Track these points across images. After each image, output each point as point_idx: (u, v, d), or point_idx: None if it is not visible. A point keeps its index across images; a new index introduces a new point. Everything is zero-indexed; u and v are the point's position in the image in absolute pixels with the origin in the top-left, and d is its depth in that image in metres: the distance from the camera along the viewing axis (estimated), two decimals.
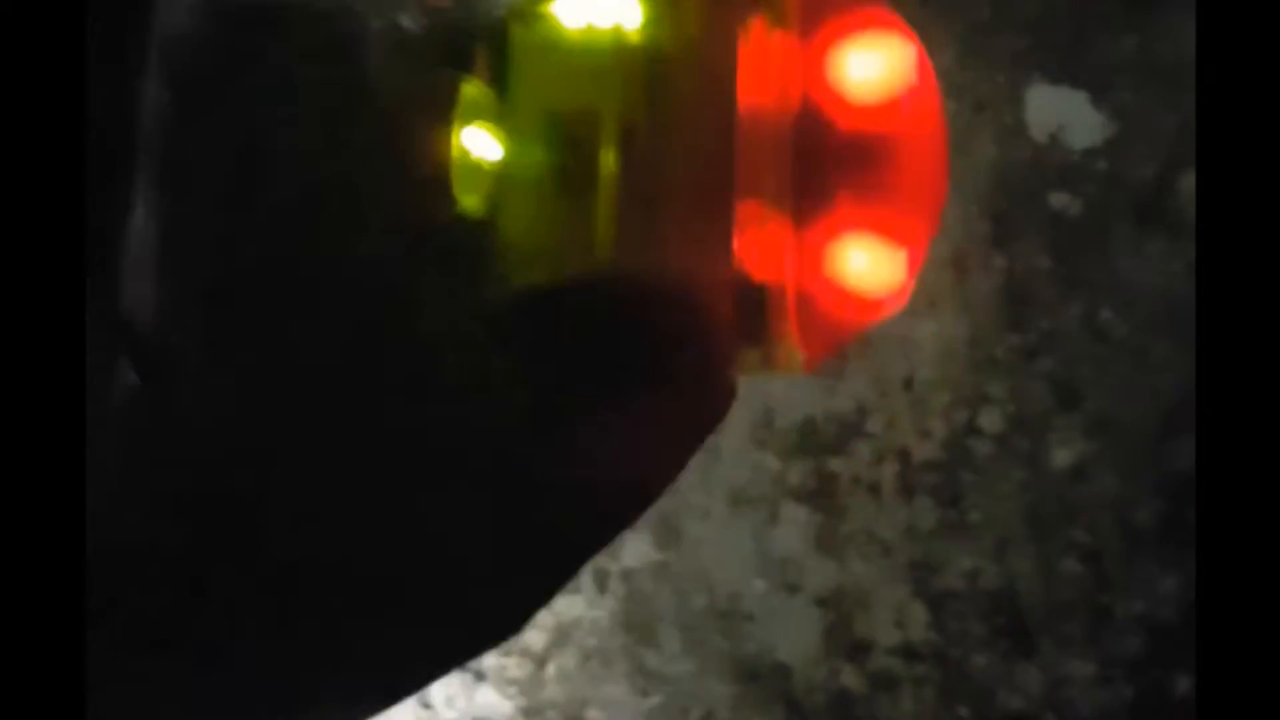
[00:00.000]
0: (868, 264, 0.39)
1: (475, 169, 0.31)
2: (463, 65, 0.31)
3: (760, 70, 0.34)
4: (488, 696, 1.21)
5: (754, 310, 0.34)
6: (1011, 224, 1.21)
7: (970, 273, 1.20)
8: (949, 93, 1.23)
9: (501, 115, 0.31)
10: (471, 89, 0.31)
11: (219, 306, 0.32)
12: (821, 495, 1.18)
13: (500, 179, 0.31)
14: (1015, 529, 1.16)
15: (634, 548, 1.26)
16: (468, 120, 0.31)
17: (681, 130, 0.31)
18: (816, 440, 1.18)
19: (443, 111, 0.31)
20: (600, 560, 1.25)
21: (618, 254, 0.31)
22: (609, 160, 0.30)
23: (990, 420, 1.18)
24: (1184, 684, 1.13)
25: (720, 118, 0.31)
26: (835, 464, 1.18)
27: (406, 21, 0.31)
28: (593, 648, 1.24)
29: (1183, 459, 1.16)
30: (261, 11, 0.31)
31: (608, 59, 0.30)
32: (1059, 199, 1.22)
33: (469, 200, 0.31)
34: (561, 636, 1.22)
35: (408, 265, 0.32)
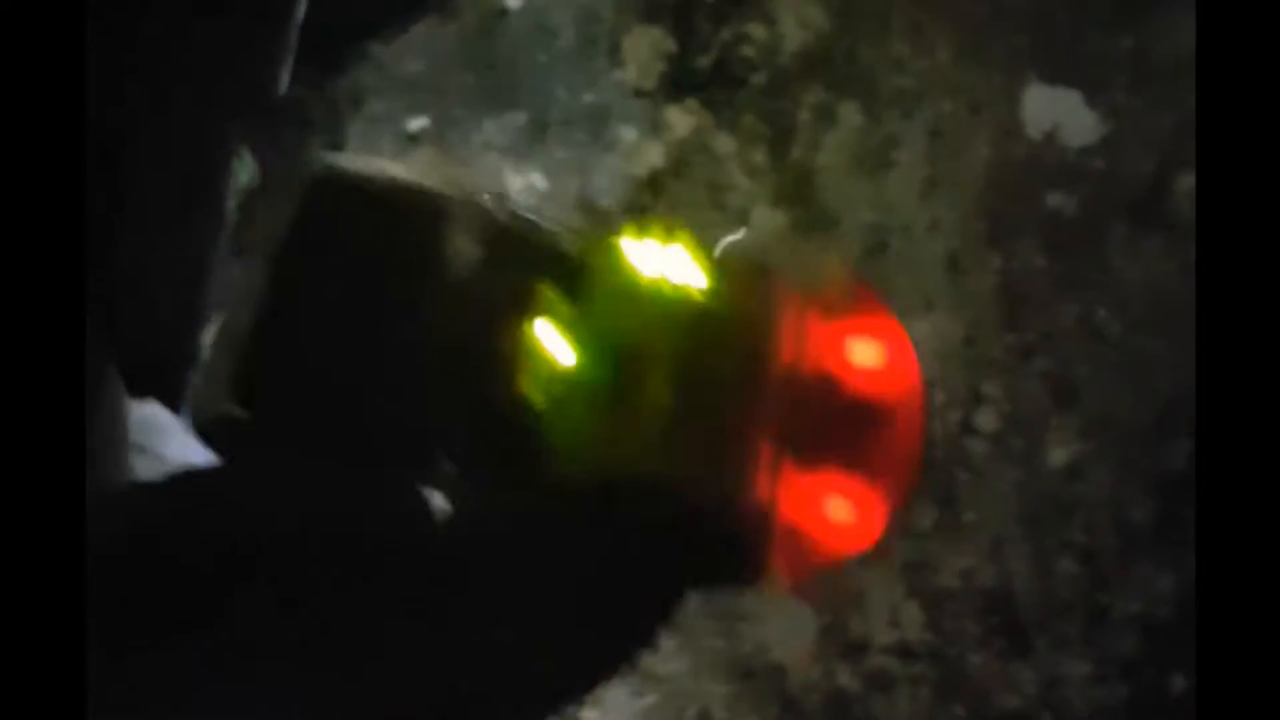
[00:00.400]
0: (849, 509, 0.46)
1: (542, 364, 0.35)
2: (545, 272, 0.35)
3: (790, 338, 0.40)
4: None
5: (754, 534, 0.39)
6: (1008, 223, 1.22)
7: (966, 272, 1.21)
8: (946, 92, 1.24)
9: (574, 327, 0.35)
10: (550, 294, 0.35)
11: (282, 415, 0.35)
12: None
13: (564, 382, 0.35)
14: (1011, 528, 1.16)
15: None
16: (543, 319, 0.35)
17: (724, 376, 0.37)
18: None
19: (519, 307, 0.35)
20: None
21: (656, 464, 0.36)
22: (662, 391, 0.35)
23: (986, 419, 1.18)
24: (1180, 683, 1.13)
25: (756, 371, 0.37)
26: None
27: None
28: None
29: (1179, 458, 1.16)
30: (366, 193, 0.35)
31: (674, 306, 0.36)
32: (1055, 198, 1.22)
33: (533, 391, 0.35)
34: None
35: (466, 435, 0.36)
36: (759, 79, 1.25)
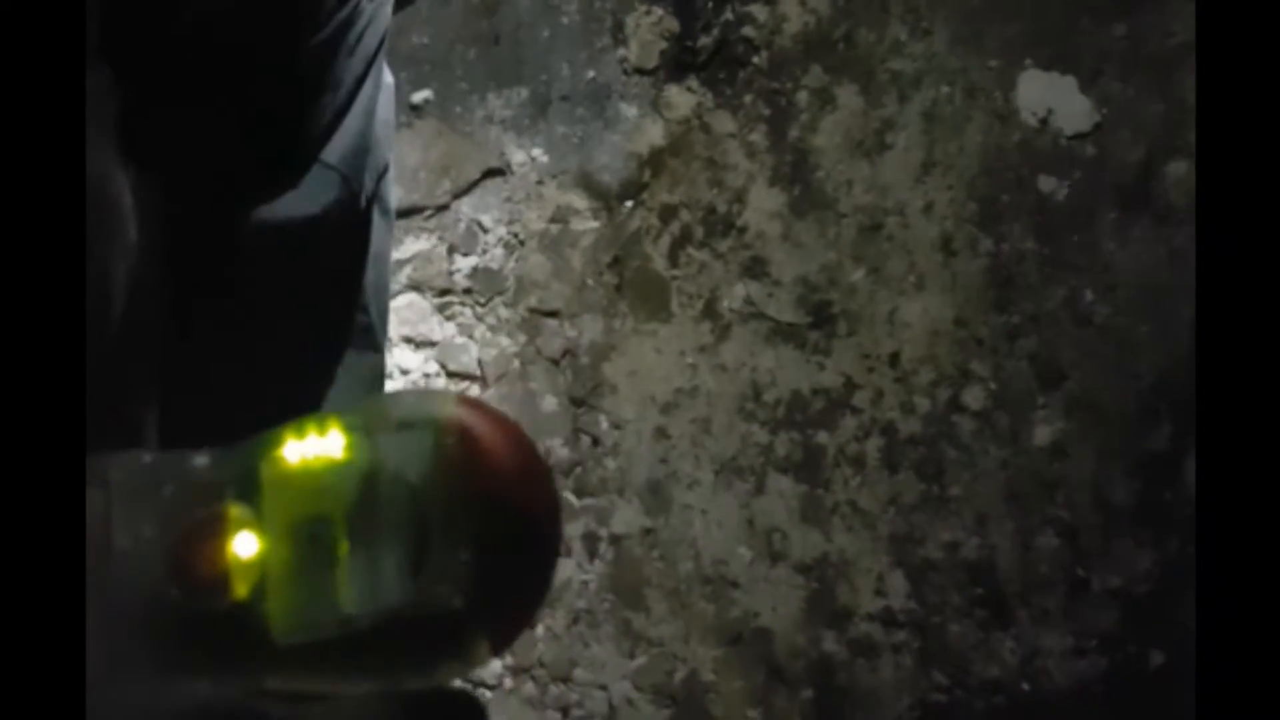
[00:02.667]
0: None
1: (245, 567, 0.42)
2: (230, 497, 0.42)
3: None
4: None
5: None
6: (999, 207, 1.23)
7: (957, 253, 1.22)
8: (943, 77, 1.25)
9: (260, 526, 0.42)
10: (235, 510, 0.42)
11: None
12: (807, 467, 1.19)
13: (263, 571, 0.42)
14: (996, 504, 1.18)
15: (624, 515, 1.28)
16: (236, 531, 0.42)
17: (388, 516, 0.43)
18: (804, 414, 1.20)
19: (218, 529, 0.42)
20: (591, 525, 1.27)
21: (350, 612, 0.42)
22: (342, 548, 0.42)
23: (973, 398, 1.20)
24: (1158, 657, 1.14)
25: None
26: (822, 437, 1.20)
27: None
28: (581, 610, 1.26)
29: (1160, 439, 1.17)
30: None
31: (328, 479, 0.42)
32: (1047, 183, 1.23)
33: (240, 590, 0.42)
34: (551, 598, 1.24)
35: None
36: (759, 60, 1.26)
